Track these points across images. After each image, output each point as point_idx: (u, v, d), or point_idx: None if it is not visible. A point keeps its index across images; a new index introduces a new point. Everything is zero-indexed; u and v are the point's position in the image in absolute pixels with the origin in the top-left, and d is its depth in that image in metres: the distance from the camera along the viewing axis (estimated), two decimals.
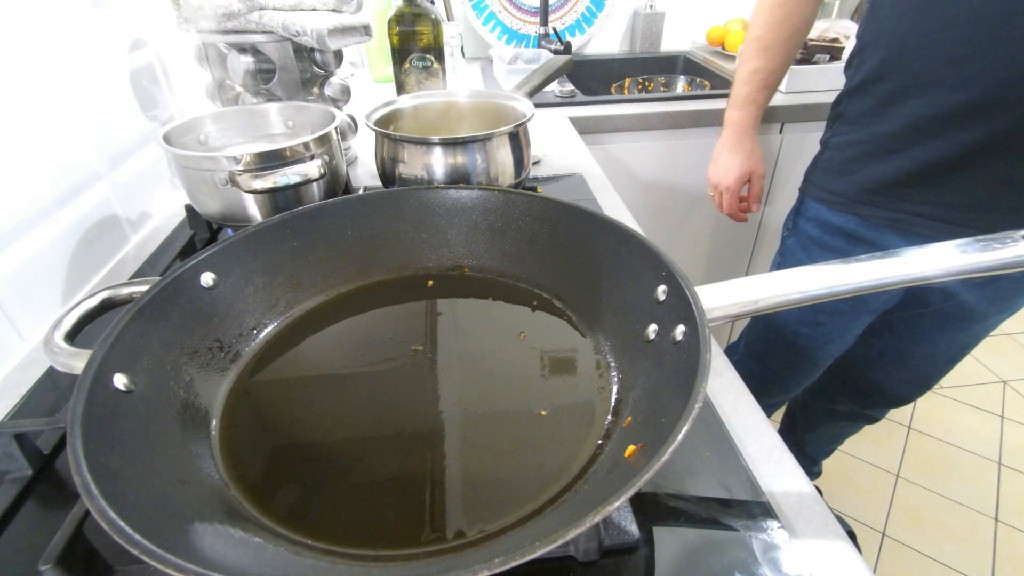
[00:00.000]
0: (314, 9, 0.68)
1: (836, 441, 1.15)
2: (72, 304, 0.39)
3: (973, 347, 0.84)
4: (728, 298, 0.35)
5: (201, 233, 0.64)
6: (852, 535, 1.14)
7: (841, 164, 0.74)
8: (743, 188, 0.94)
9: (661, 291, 0.38)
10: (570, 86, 1.22)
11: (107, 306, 0.39)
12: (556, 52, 1.34)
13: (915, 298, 0.80)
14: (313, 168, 0.52)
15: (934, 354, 0.85)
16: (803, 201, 0.82)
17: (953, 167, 0.64)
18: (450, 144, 0.57)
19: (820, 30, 1.26)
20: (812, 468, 1.22)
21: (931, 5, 0.59)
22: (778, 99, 1.13)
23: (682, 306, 0.35)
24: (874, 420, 1.04)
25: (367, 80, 1.35)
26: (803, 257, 0.82)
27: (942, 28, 0.59)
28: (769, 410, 1.08)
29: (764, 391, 0.98)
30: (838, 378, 0.99)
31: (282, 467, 0.35)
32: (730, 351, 1.04)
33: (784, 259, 0.87)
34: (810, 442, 1.15)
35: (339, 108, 0.73)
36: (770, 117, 1.12)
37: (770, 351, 0.94)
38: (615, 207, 0.75)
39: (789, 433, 1.16)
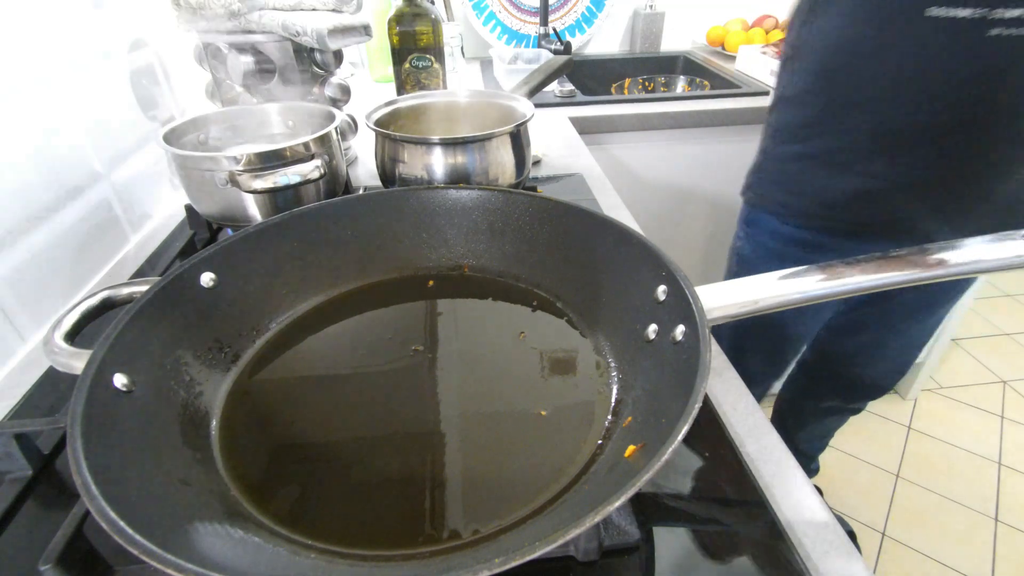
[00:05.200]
0: (314, 9, 0.68)
1: (827, 435, 1.18)
2: (72, 304, 0.38)
3: (939, 326, 0.87)
4: (728, 298, 0.35)
5: (201, 233, 0.64)
6: (852, 535, 1.15)
7: (785, 175, 0.72)
8: None
9: (661, 291, 0.38)
10: (570, 86, 1.22)
11: (107, 306, 0.39)
12: (556, 52, 1.34)
13: (883, 292, 0.80)
14: (313, 168, 0.52)
15: (909, 343, 0.89)
16: (752, 212, 0.79)
17: (900, 188, 0.62)
18: (450, 144, 0.57)
19: None
20: (810, 465, 1.23)
21: (871, 21, 0.57)
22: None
23: (682, 306, 0.35)
24: (857, 411, 1.08)
25: (367, 80, 1.35)
26: (761, 267, 0.79)
27: (885, 49, 0.56)
28: (758, 396, 1.08)
29: (749, 374, 0.96)
30: (823, 376, 1.02)
31: (282, 467, 0.35)
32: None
33: (741, 268, 0.84)
34: (803, 440, 1.17)
35: (339, 108, 0.73)
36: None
37: (746, 329, 0.91)
38: (615, 207, 0.75)
39: (782, 433, 1.16)
